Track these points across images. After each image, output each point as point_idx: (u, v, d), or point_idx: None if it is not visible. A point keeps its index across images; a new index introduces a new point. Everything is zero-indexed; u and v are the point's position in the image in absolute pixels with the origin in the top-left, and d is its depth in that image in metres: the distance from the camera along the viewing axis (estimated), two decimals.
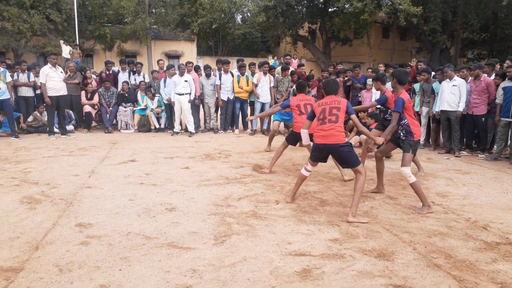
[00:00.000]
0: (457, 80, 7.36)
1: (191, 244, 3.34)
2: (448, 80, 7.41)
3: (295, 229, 3.72)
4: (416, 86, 8.44)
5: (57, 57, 9.31)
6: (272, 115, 9.52)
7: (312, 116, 4.43)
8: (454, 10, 23.21)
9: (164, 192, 4.84)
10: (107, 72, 10.58)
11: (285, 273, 2.88)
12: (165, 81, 9.77)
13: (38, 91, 9.51)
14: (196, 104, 9.88)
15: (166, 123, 10.31)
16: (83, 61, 18.02)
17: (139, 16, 22.31)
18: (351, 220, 3.90)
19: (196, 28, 24.05)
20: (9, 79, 8.64)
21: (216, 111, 10.34)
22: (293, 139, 5.91)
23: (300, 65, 11.04)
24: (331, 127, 4.10)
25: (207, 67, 10.07)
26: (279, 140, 7.50)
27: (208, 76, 9.94)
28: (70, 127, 9.69)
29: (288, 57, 11.22)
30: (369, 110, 8.12)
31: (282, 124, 8.20)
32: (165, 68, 10.33)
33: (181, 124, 9.85)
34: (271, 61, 20.13)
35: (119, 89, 10.30)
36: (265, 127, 10.05)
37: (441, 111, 7.56)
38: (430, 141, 8.48)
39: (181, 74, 9.21)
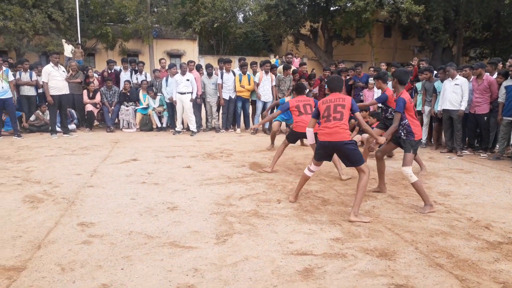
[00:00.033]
0: (460, 79, 7.34)
1: (193, 243, 3.35)
2: (450, 79, 7.40)
3: (297, 229, 3.72)
4: (418, 85, 8.43)
5: (59, 56, 9.33)
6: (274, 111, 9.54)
7: (317, 114, 4.38)
8: (457, 9, 23.14)
9: (166, 191, 4.84)
10: (109, 71, 10.59)
11: (287, 273, 2.88)
12: (167, 80, 9.77)
13: (40, 90, 9.54)
14: (198, 103, 9.88)
15: (168, 122, 10.31)
16: (85, 60, 18.06)
17: (141, 15, 22.33)
18: (353, 219, 3.89)
19: (198, 27, 24.06)
20: (11, 78, 8.66)
21: (218, 110, 10.34)
22: (293, 138, 5.95)
23: (302, 64, 11.03)
24: (335, 125, 4.07)
25: (208, 66, 10.07)
26: (280, 139, 7.49)
27: (210, 75, 9.94)
28: (72, 126, 9.70)
29: (290, 56, 11.20)
30: (371, 109, 8.11)
31: (284, 123, 8.20)
32: (167, 67, 10.34)
33: (183, 123, 9.85)
34: (273, 60, 20.13)
35: (121, 88, 10.31)
36: (266, 126, 10.04)
37: (443, 110, 7.54)
38: (432, 140, 8.46)
39: (183, 73, 9.22)
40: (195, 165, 6.25)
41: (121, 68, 10.81)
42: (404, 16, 21.16)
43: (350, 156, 4.08)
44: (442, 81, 7.68)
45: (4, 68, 8.54)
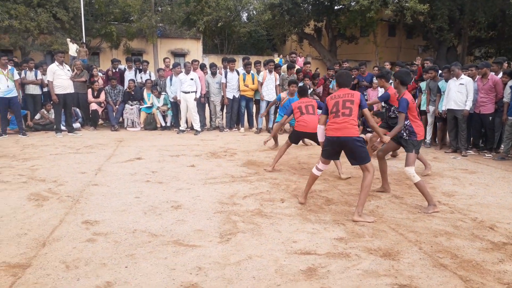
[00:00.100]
0: (464, 78, 7.30)
1: (196, 242, 3.36)
2: (455, 78, 7.36)
3: (301, 228, 3.72)
4: (422, 85, 8.40)
5: (64, 55, 9.37)
6: (273, 116, 9.54)
7: (326, 110, 4.32)
8: (461, 8, 23.02)
9: (170, 190, 4.86)
10: (114, 70, 10.62)
11: (290, 272, 2.88)
12: (171, 79, 9.78)
13: (45, 89, 9.58)
14: (202, 102, 9.89)
15: (172, 121, 10.33)
16: (89, 59, 18.14)
17: (145, 14, 22.39)
18: (356, 219, 3.88)
19: (202, 26, 24.09)
20: (16, 77, 8.71)
21: (222, 109, 10.35)
22: (295, 137, 5.94)
23: (306, 63, 11.01)
24: (344, 120, 4.02)
25: (212, 65, 10.08)
26: (282, 139, 7.48)
27: (213, 74, 9.94)
28: (76, 125, 9.74)
29: (293, 55, 11.19)
30: (375, 108, 8.09)
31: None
32: (171, 66, 10.35)
33: (186, 122, 9.87)
34: (277, 59, 20.10)
35: (125, 87, 10.34)
36: (270, 125, 10.04)
37: (448, 110, 7.51)
38: (437, 140, 8.42)
39: (187, 72, 9.23)
40: (199, 164, 6.27)
41: (126, 67, 10.83)
42: (409, 15, 21.08)
43: (357, 153, 4.03)
44: (446, 81, 7.65)
45: (9, 67, 8.59)
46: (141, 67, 10.83)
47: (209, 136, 9.21)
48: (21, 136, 8.67)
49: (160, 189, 4.90)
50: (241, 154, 7.16)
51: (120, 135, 9.25)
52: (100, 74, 10.78)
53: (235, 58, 10.80)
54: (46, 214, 3.95)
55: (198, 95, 9.37)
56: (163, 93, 10.22)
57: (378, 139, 4.54)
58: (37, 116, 9.61)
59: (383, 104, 6.24)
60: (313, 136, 5.79)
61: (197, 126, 9.50)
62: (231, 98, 9.91)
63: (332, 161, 5.20)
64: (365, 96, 9.33)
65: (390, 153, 6.66)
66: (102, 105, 10.17)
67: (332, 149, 4.20)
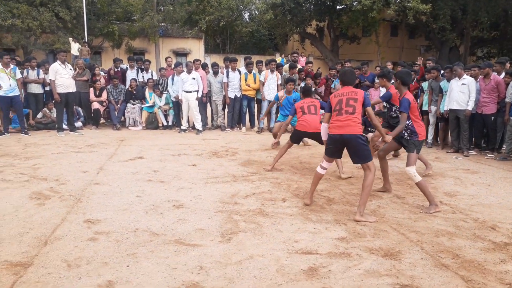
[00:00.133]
0: (467, 78, 7.29)
1: (198, 241, 3.36)
2: (457, 78, 7.35)
3: (302, 228, 3.72)
4: (424, 85, 8.38)
5: (66, 54, 9.38)
6: (274, 116, 9.54)
7: (330, 108, 4.29)
8: (464, 8, 22.97)
9: (172, 189, 4.86)
10: (116, 70, 10.65)
11: (291, 271, 2.88)
12: (172, 79, 9.79)
13: (47, 88, 9.61)
14: (204, 101, 9.90)
15: (173, 121, 10.34)
16: (91, 59, 18.15)
17: (147, 14, 22.41)
18: (358, 219, 3.87)
19: (203, 25, 24.10)
20: (19, 76, 8.74)
21: (224, 109, 10.36)
22: (296, 137, 5.93)
23: (308, 63, 11.02)
24: (347, 118, 4.00)
25: (214, 65, 10.08)
26: (284, 138, 7.49)
27: (215, 73, 9.95)
28: (78, 124, 9.76)
29: (295, 55, 11.19)
30: (376, 108, 8.08)
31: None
32: (173, 66, 10.36)
33: (188, 121, 9.88)
34: (279, 59, 20.08)
35: (127, 86, 10.35)
36: (271, 125, 10.04)
37: (450, 110, 7.50)
38: (439, 140, 8.41)
39: (189, 72, 9.23)
40: (201, 163, 6.27)
41: (128, 66, 10.85)
42: (411, 15, 21.05)
43: (360, 151, 4.01)
44: (448, 81, 7.64)
45: (11, 66, 8.62)
46: (143, 66, 10.84)
47: (211, 136, 9.21)
48: (23, 135, 8.69)
49: (162, 188, 4.91)
50: (242, 153, 7.16)
51: (122, 134, 9.26)
52: (102, 73, 10.80)
53: (237, 57, 10.81)
54: (48, 213, 3.96)
55: (199, 95, 9.37)
56: (165, 92, 10.23)
57: (380, 139, 4.54)
58: (39, 115, 9.63)
59: (384, 104, 6.23)
60: (314, 136, 5.79)
61: (198, 125, 9.51)
62: (233, 97, 9.91)
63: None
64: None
65: (392, 153, 6.66)
66: (104, 104, 10.18)
67: (335, 147, 4.18)
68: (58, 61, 8.86)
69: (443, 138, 8.25)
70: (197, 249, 3.21)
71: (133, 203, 4.32)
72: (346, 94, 4.13)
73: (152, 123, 10.18)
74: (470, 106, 7.24)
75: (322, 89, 9.98)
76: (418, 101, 8.22)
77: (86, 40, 19.13)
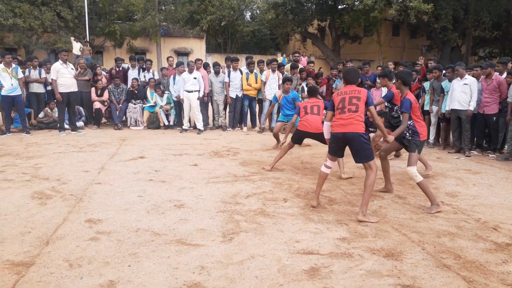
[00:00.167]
0: (469, 78, 7.27)
1: (199, 241, 3.36)
2: (459, 78, 7.34)
3: (303, 228, 3.72)
4: (426, 85, 8.37)
5: (67, 54, 9.40)
6: (275, 115, 9.53)
7: (332, 107, 4.28)
8: (466, 8, 22.92)
9: (173, 189, 4.86)
10: (117, 69, 10.65)
11: (293, 272, 2.88)
12: (174, 78, 9.80)
13: (49, 88, 9.61)
14: (205, 101, 9.90)
15: (175, 120, 10.35)
16: (93, 58, 18.18)
17: (149, 13, 22.42)
18: (361, 218, 3.86)
19: (205, 25, 24.10)
20: (20, 75, 8.74)
21: (225, 109, 10.36)
22: (297, 137, 5.92)
23: (309, 62, 11.01)
24: (350, 116, 3.99)
25: (216, 64, 10.08)
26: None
27: (217, 73, 9.95)
28: (80, 123, 9.77)
29: (297, 54, 11.18)
30: (377, 108, 8.07)
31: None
32: (174, 65, 10.36)
33: (190, 121, 9.88)
34: (280, 58, 20.11)
35: (128, 86, 10.36)
36: (273, 124, 10.03)
37: (452, 110, 7.48)
38: (440, 140, 8.40)
39: (190, 71, 9.23)
40: (202, 163, 6.27)
41: (129, 66, 10.85)
42: (413, 15, 21.01)
43: (362, 150, 4.00)
44: (450, 81, 7.62)
45: (13, 65, 8.63)
46: (144, 66, 10.85)
47: (212, 135, 9.21)
48: (25, 134, 8.71)
49: (163, 188, 4.91)
50: (244, 153, 7.16)
51: (123, 134, 9.27)
52: (103, 72, 10.80)
53: (238, 57, 10.81)
54: (50, 213, 3.97)
55: (201, 94, 9.38)
56: (166, 92, 10.23)
57: (382, 139, 4.54)
58: (41, 115, 9.65)
59: (386, 103, 6.22)
60: (315, 136, 5.78)
61: (200, 125, 9.51)
62: (234, 97, 9.91)
63: None
64: None
65: (393, 153, 6.65)
66: (106, 103, 10.20)
67: (337, 145, 4.17)
68: (59, 60, 8.87)
69: (444, 138, 8.24)
70: (199, 249, 3.22)
71: (135, 202, 4.33)
72: (349, 93, 4.12)
73: (153, 123, 10.18)
74: (472, 106, 7.22)
75: (323, 88, 9.97)
76: (420, 101, 8.21)
77: (88, 40, 19.15)
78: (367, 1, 20.69)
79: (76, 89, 9.16)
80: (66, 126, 9.26)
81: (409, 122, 4.40)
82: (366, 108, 4.13)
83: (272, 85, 9.71)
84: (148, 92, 10.27)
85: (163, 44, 25.07)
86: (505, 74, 7.38)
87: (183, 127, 9.67)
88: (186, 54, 26.29)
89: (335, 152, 4.24)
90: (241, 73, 9.93)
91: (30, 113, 9.56)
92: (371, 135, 7.29)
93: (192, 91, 9.18)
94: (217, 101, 10.06)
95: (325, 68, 23.86)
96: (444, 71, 8.07)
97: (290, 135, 6.24)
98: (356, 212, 4.13)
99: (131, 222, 3.75)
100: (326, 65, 26.12)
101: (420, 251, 3.27)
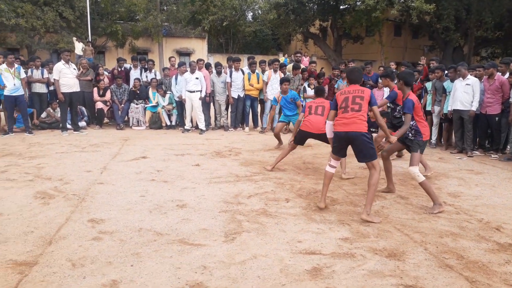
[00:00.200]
0: (471, 79, 7.26)
1: (201, 241, 3.36)
2: (461, 79, 7.32)
3: (305, 228, 3.72)
4: (428, 85, 8.36)
5: (70, 54, 9.42)
6: (277, 116, 9.53)
7: (335, 106, 4.26)
8: (468, 8, 22.88)
9: (175, 189, 4.87)
10: (119, 69, 10.66)
11: (295, 272, 2.88)
12: (176, 78, 9.80)
13: (51, 88, 9.63)
14: (207, 101, 9.91)
15: (177, 120, 10.35)
16: (95, 58, 18.22)
17: (151, 13, 22.46)
18: (364, 218, 3.85)
19: (207, 25, 24.13)
20: (23, 75, 8.77)
21: (227, 109, 10.36)
22: (300, 137, 5.89)
23: (311, 62, 10.99)
24: (353, 115, 3.98)
25: (218, 65, 10.09)
26: (286, 138, 7.49)
27: (218, 73, 9.95)
28: (82, 123, 9.79)
29: (299, 54, 11.16)
30: (380, 109, 8.06)
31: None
32: (176, 66, 10.37)
33: (192, 121, 9.89)
34: (282, 58, 20.10)
35: (130, 86, 10.37)
36: (275, 125, 10.02)
37: (454, 110, 7.47)
38: (442, 140, 8.38)
39: (192, 72, 9.24)
40: (204, 163, 6.28)
41: (131, 66, 10.87)
42: (415, 15, 20.96)
43: (365, 149, 3.99)
44: (452, 81, 7.61)
45: (16, 65, 8.65)
46: (146, 66, 10.86)
47: (214, 136, 9.22)
48: (27, 134, 8.73)
49: (165, 188, 4.92)
50: (246, 153, 7.17)
51: (126, 134, 9.28)
52: (105, 73, 10.82)
53: (240, 57, 10.80)
54: (52, 212, 3.98)
55: (203, 94, 9.39)
56: (168, 92, 10.24)
57: (384, 139, 4.53)
58: (43, 115, 9.67)
59: (388, 104, 6.21)
60: (317, 137, 5.76)
61: (202, 125, 9.52)
62: (236, 97, 9.91)
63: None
64: None
65: (395, 153, 6.64)
66: (108, 103, 10.21)
67: (340, 144, 4.16)
68: (62, 60, 8.89)
69: (447, 138, 8.22)
70: (201, 249, 3.22)
71: (137, 202, 4.33)
72: (352, 92, 4.12)
73: (155, 123, 10.19)
74: (474, 107, 7.21)
75: (325, 88, 9.95)
76: (422, 102, 8.20)
77: (90, 40, 19.21)
78: (369, 1, 20.67)
79: (78, 89, 9.18)
80: (69, 126, 9.28)
81: (411, 123, 4.40)
82: (369, 108, 4.13)
83: (274, 85, 9.71)
84: (150, 92, 10.28)
85: (165, 44, 25.10)
86: (507, 75, 7.37)
87: (185, 127, 9.68)
88: (188, 54, 26.31)
89: (338, 151, 4.23)
90: (243, 73, 9.94)
91: (33, 113, 9.58)
92: (373, 135, 7.28)
93: (194, 91, 9.19)
94: (219, 101, 10.07)
95: (326, 69, 23.83)
96: (446, 71, 8.05)
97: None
98: (358, 212, 4.13)
99: (133, 222, 3.76)
100: (328, 66, 26.10)
101: (423, 251, 3.27)
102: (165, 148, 7.50)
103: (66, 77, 8.79)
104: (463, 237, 3.58)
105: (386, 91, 8.62)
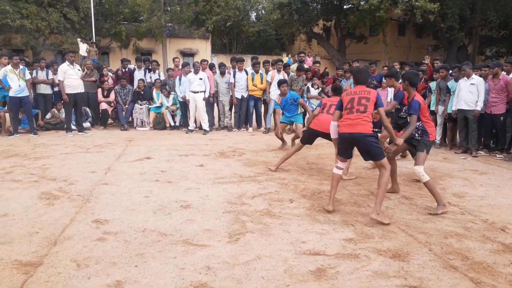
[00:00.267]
0: (475, 78, 7.23)
1: (205, 242, 3.37)
2: (466, 78, 7.29)
3: (309, 228, 3.72)
4: (432, 85, 8.33)
5: (74, 55, 9.46)
6: (278, 116, 9.50)
7: (340, 106, 4.24)
8: (472, 7, 22.78)
9: (179, 190, 4.88)
10: (123, 70, 10.70)
11: (299, 272, 2.88)
12: (180, 79, 9.82)
13: (56, 89, 9.68)
14: (211, 102, 9.92)
15: (181, 121, 10.37)
16: (99, 59, 18.27)
17: (155, 14, 22.52)
18: (374, 217, 3.81)
19: (210, 25, 24.15)
20: (28, 76, 8.81)
21: (230, 109, 10.37)
22: (307, 137, 5.83)
23: (315, 62, 10.99)
24: (358, 116, 3.97)
25: (221, 65, 10.10)
26: (288, 138, 7.52)
27: (222, 74, 9.96)
28: (87, 124, 9.83)
29: (302, 54, 11.15)
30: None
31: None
32: (180, 66, 10.39)
33: (195, 122, 9.90)
34: (285, 58, 20.10)
35: (134, 87, 10.40)
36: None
37: (458, 110, 7.43)
38: (447, 140, 8.35)
39: (196, 72, 9.26)
40: (208, 164, 6.29)
41: (135, 67, 10.90)
42: (419, 14, 20.90)
43: (371, 149, 3.98)
44: (456, 80, 7.58)
45: (21, 66, 8.70)
46: (150, 67, 10.89)
47: (218, 136, 9.23)
48: (32, 135, 8.78)
49: (169, 188, 4.93)
50: (249, 154, 7.17)
51: (130, 134, 9.31)
52: (110, 73, 10.86)
53: (243, 57, 10.82)
54: (57, 213, 4.00)
55: (207, 95, 9.40)
56: (172, 92, 10.26)
57: (388, 139, 4.52)
58: (48, 116, 9.72)
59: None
60: (325, 136, 5.70)
61: (205, 125, 9.53)
62: (240, 98, 9.92)
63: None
64: None
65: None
66: (112, 104, 10.25)
67: (345, 145, 4.14)
68: (66, 61, 8.93)
69: (451, 138, 8.19)
70: (205, 249, 3.22)
71: (141, 203, 4.35)
72: (358, 93, 4.10)
73: (159, 124, 10.22)
74: (479, 106, 7.17)
75: (329, 88, 9.94)
76: (426, 101, 8.16)
77: (94, 41, 19.27)
78: (373, 0, 20.62)
79: (82, 90, 9.21)
80: (73, 127, 9.32)
81: (417, 123, 4.38)
82: (375, 109, 4.11)
83: (277, 85, 9.69)
84: (154, 93, 10.31)
85: (169, 45, 25.16)
86: None
87: (189, 127, 9.69)
88: (192, 54, 26.36)
89: (343, 152, 4.21)
90: (247, 73, 9.94)
91: (38, 114, 9.63)
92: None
93: (197, 92, 9.21)
94: (222, 101, 10.08)
95: (330, 68, 23.81)
96: (450, 71, 8.02)
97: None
98: (362, 213, 4.12)
99: (137, 223, 3.77)
100: (331, 65, 26.07)
101: (427, 252, 3.26)
102: (169, 148, 7.52)
103: (70, 78, 8.83)
104: (468, 238, 3.57)
105: (390, 91, 8.61)
